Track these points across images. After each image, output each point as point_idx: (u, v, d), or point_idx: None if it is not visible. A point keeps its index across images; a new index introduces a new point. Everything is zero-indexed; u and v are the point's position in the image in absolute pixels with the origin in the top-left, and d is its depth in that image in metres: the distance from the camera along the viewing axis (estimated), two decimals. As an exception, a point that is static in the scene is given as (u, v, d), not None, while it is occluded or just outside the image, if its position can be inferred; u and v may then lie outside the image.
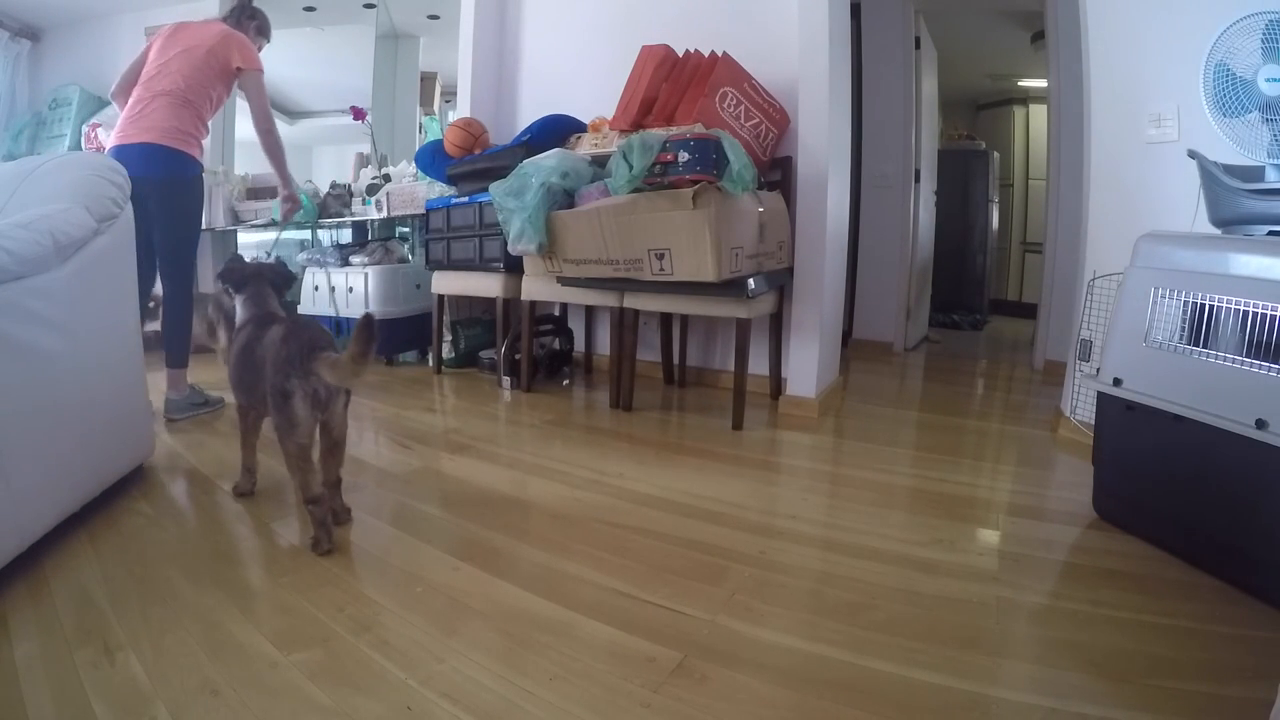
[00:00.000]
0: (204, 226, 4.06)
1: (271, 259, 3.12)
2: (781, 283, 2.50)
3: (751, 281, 2.14)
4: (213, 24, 2.48)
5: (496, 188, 2.48)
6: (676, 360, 2.98)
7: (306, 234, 4.05)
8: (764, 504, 1.69)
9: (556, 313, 3.22)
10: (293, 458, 1.38)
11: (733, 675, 1.02)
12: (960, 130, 5.75)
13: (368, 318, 1.32)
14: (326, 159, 4.81)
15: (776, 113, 2.53)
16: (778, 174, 2.58)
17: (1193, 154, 1.51)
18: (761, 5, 2.69)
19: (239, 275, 1.67)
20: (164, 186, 2.27)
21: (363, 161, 4.18)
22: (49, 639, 1.08)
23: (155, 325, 2.51)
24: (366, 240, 3.65)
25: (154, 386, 2.08)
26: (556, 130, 2.83)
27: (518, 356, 2.84)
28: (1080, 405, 2.12)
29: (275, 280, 1.70)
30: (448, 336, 3.25)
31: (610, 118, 2.62)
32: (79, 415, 1.47)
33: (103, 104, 4.43)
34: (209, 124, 2.45)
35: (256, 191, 4.19)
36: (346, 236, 4.05)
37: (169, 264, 2.38)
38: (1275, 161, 1.39)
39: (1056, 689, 0.99)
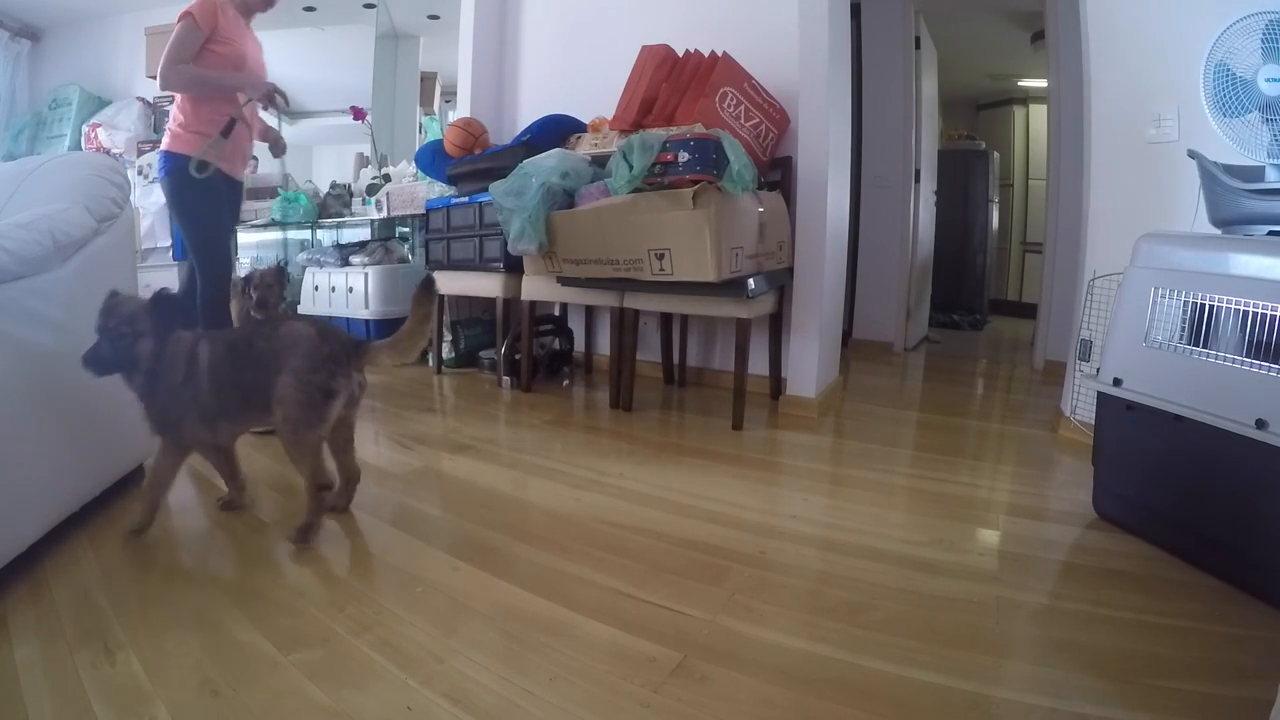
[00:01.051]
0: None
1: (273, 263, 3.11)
2: (781, 283, 2.50)
3: (751, 281, 2.14)
4: None
5: (496, 188, 2.48)
6: (676, 360, 2.98)
7: (306, 234, 4.06)
8: (764, 504, 1.69)
9: (556, 313, 3.22)
10: (310, 449, 1.39)
11: (733, 675, 1.02)
12: (960, 130, 5.75)
13: (429, 280, 1.40)
14: (326, 159, 4.82)
15: (776, 113, 2.53)
16: (778, 174, 2.58)
17: (1193, 154, 1.51)
18: (761, 5, 2.69)
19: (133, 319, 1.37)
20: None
21: (363, 161, 4.19)
22: (49, 639, 1.08)
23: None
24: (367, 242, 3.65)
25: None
26: (556, 130, 2.83)
27: (518, 356, 2.84)
28: (1080, 405, 2.12)
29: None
30: (448, 336, 3.25)
31: (610, 118, 2.61)
32: (79, 415, 1.47)
33: (103, 104, 4.44)
34: (196, 107, 2.20)
35: (256, 191, 4.19)
36: (346, 236, 4.05)
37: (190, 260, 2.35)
38: (1275, 161, 1.39)
39: (1056, 689, 0.99)
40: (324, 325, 1.44)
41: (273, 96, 2.27)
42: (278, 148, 2.61)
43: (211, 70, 2.17)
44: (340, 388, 1.38)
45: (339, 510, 1.58)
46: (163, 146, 2.27)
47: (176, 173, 2.21)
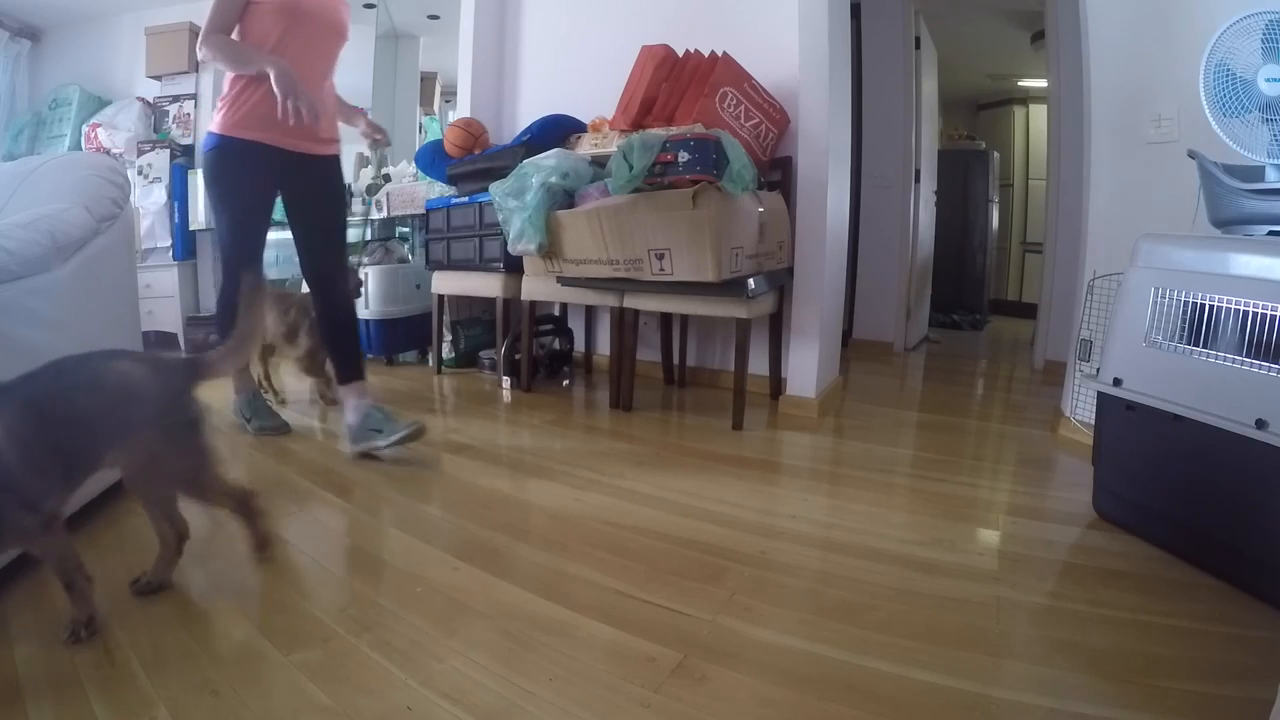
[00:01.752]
0: (205, 226, 4.08)
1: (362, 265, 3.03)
2: (781, 283, 2.50)
3: (751, 281, 2.14)
4: None
5: (496, 188, 2.48)
6: (676, 360, 2.98)
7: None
8: (764, 504, 1.69)
9: (556, 313, 3.22)
10: (218, 481, 1.24)
11: (733, 675, 1.02)
12: (960, 130, 5.75)
13: (257, 275, 1.29)
14: (326, 159, 4.80)
15: (776, 113, 2.53)
16: (778, 174, 2.58)
17: (1193, 154, 1.51)
18: (762, 5, 2.69)
19: None
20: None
21: (363, 161, 4.18)
22: (49, 639, 1.07)
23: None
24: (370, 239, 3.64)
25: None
26: (556, 130, 2.83)
27: (518, 356, 2.84)
28: (1080, 405, 2.12)
29: None
30: (448, 336, 3.25)
31: (610, 118, 2.62)
32: (79, 415, 1.46)
33: (103, 104, 4.43)
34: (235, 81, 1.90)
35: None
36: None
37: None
38: (1275, 161, 1.39)
39: (1056, 689, 0.99)
40: (145, 355, 1.22)
41: (296, 104, 1.72)
42: (376, 136, 2.19)
43: (257, 27, 1.84)
44: (200, 411, 1.21)
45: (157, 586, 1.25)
46: (210, 127, 1.96)
47: (210, 153, 1.93)
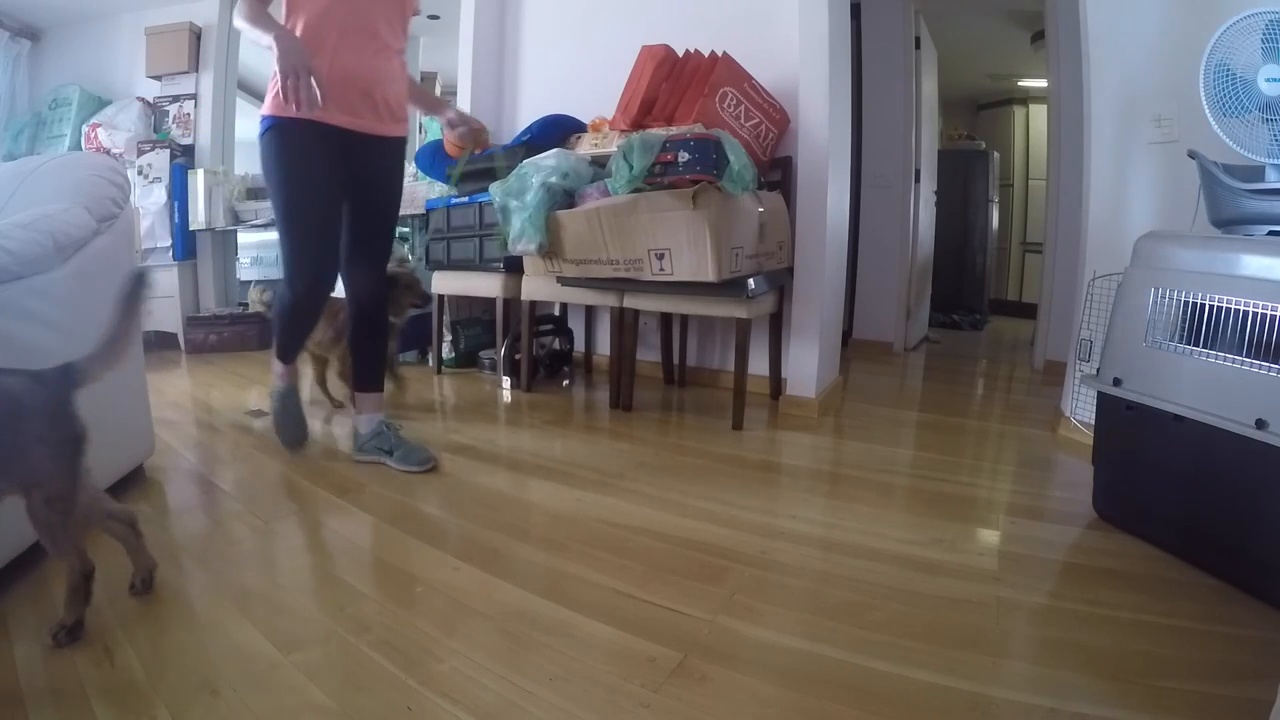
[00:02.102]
0: (205, 226, 4.07)
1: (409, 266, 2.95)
2: (781, 283, 2.50)
3: (751, 281, 2.14)
4: None
5: (496, 188, 2.48)
6: (676, 360, 2.98)
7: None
8: (764, 504, 1.69)
9: (556, 313, 3.22)
10: (77, 526, 1.09)
11: (733, 675, 1.02)
12: (960, 130, 5.75)
13: (139, 277, 1.14)
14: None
15: (776, 113, 2.53)
16: (778, 174, 2.58)
17: (1193, 154, 1.51)
18: (762, 5, 2.69)
19: None
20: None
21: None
22: (49, 639, 1.08)
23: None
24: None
25: (154, 387, 2.06)
26: (556, 130, 2.83)
27: (518, 356, 2.84)
28: (1080, 405, 2.12)
29: None
30: (448, 336, 3.25)
31: (610, 118, 2.62)
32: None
33: (103, 104, 4.43)
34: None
35: (256, 191, 4.18)
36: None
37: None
38: (1275, 161, 1.39)
39: (1056, 689, 0.99)
40: (20, 370, 1.08)
41: (295, 84, 1.49)
42: (470, 133, 2.01)
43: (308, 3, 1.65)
44: (84, 427, 1.10)
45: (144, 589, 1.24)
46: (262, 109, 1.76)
47: (265, 137, 1.72)
